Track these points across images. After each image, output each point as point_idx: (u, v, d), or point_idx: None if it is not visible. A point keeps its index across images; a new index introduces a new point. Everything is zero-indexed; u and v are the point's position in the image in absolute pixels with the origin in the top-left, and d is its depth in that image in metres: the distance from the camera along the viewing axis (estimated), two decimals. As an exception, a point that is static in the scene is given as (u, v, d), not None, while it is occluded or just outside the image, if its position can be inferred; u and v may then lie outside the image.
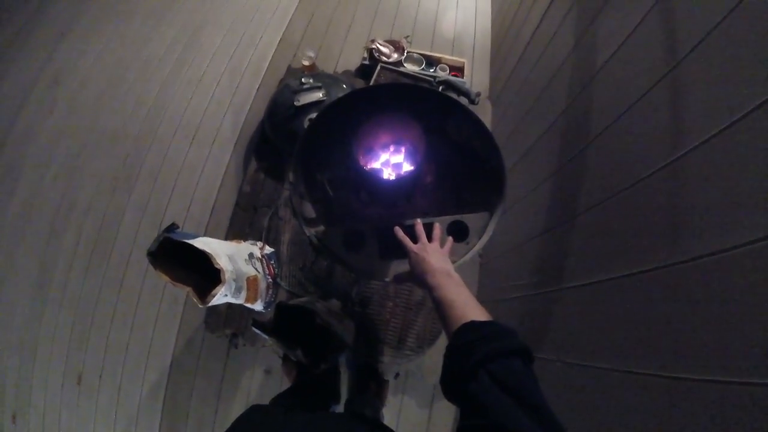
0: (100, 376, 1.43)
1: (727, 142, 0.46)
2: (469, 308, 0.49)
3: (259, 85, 1.51)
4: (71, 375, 1.47)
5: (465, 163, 0.99)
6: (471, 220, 0.94)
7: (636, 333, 0.59)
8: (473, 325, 0.46)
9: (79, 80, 1.90)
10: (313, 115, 1.15)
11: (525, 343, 0.41)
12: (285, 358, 1.30)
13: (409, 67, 1.49)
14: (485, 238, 0.90)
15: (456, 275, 0.58)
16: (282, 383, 1.28)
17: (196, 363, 1.33)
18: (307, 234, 0.85)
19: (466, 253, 0.90)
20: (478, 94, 1.52)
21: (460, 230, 0.94)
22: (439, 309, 0.52)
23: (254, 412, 0.65)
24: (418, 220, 0.73)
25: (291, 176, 0.86)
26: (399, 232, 0.70)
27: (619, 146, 0.72)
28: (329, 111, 0.85)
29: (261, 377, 1.30)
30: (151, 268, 0.81)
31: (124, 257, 1.49)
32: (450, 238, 0.74)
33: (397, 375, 1.28)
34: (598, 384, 0.66)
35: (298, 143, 0.84)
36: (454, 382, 0.41)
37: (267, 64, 1.58)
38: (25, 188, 1.75)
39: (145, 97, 1.66)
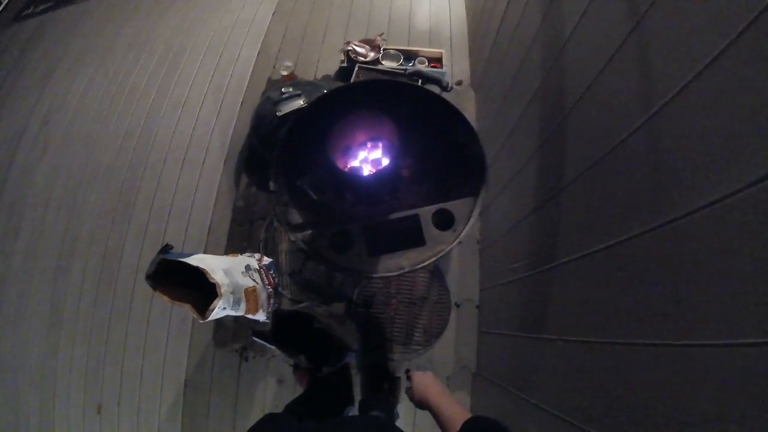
0: (119, 404, 1.53)
1: (698, 91, 0.48)
2: (463, 415, 0.62)
3: (242, 101, 1.61)
4: (91, 405, 1.57)
5: (446, 152, 1.06)
6: (456, 207, 1.00)
7: (629, 302, 0.62)
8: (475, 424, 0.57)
9: (68, 118, 2.04)
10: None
11: None
12: (296, 366, 1.38)
13: (387, 64, 1.57)
14: (471, 222, 0.97)
15: (446, 390, 0.76)
16: (295, 391, 1.36)
17: (210, 380, 1.42)
18: (293, 239, 0.93)
19: (454, 241, 0.97)
20: (459, 83, 1.60)
21: (446, 219, 1.01)
22: (439, 419, 0.68)
23: (268, 421, 0.70)
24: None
25: (272, 185, 0.93)
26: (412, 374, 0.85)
27: (595, 113, 0.75)
28: (303, 117, 0.93)
29: (274, 387, 1.38)
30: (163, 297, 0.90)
31: (129, 285, 1.60)
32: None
33: (408, 371, 1.35)
34: (597, 359, 0.70)
35: (276, 151, 0.92)
36: None
37: (247, 79, 1.68)
38: (28, 229, 1.88)
39: (134, 126, 1.79)
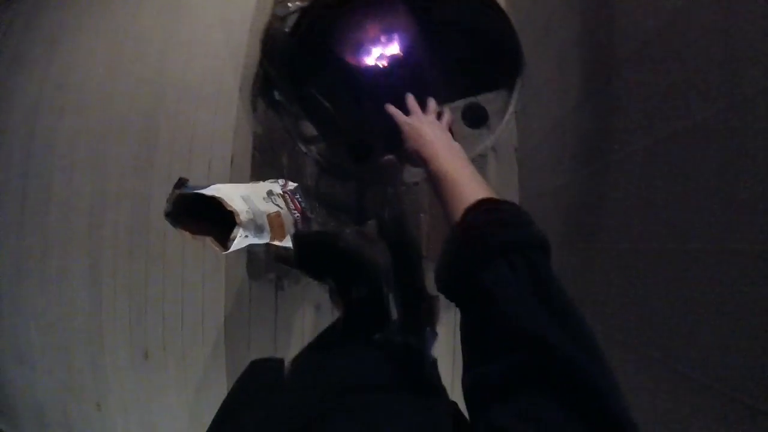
0: (164, 348, 1.70)
1: None
2: (477, 184, 0.47)
3: (251, 25, 1.65)
4: (139, 353, 1.76)
5: (472, 42, 1.04)
6: (488, 100, 0.99)
7: (684, 203, 0.57)
8: (489, 205, 0.43)
9: (80, 78, 2.17)
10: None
11: (547, 237, 0.39)
12: (332, 291, 1.47)
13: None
14: (508, 115, 0.95)
15: (457, 145, 0.58)
16: (333, 316, 1.45)
17: (248, 313, 1.54)
18: (306, 152, 0.96)
19: (491, 137, 0.97)
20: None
21: (478, 115, 1.00)
22: (438, 185, 0.52)
23: (251, 368, 0.69)
24: (410, 95, 0.73)
25: (276, 95, 0.94)
26: (390, 107, 0.71)
27: None
28: (306, 16, 0.93)
29: (312, 314, 1.47)
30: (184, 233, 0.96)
31: (161, 231, 1.73)
32: (447, 111, 0.74)
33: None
34: (656, 269, 0.65)
35: (279, 58, 0.93)
36: (461, 271, 0.39)
37: (254, 3, 1.71)
38: (58, 192, 2.06)
39: (145, 72, 1.88)
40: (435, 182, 0.53)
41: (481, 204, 0.43)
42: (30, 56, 2.54)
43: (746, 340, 0.44)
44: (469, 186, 0.47)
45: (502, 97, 0.99)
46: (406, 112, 0.71)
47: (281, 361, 0.71)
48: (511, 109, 0.96)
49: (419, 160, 0.58)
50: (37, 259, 2.11)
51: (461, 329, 0.39)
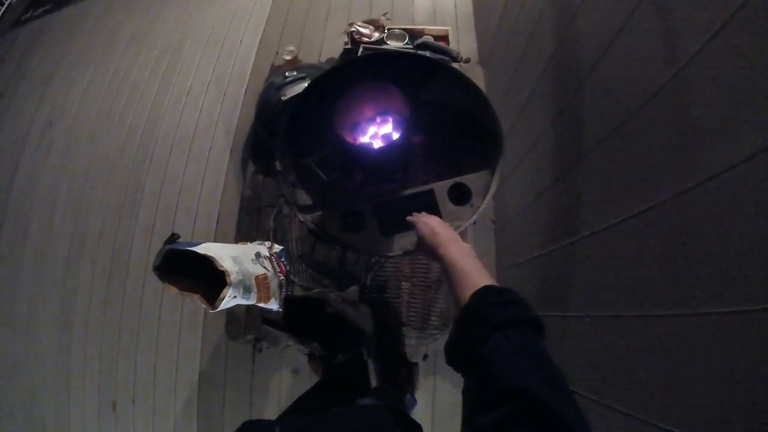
0: (134, 402, 1.61)
1: (727, 40, 0.48)
2: (480, 274, 0.55)
3: (246, 89, 1.68)
4: (106, 404, 1.65)
5: (459, 124, 1.09)
6: (472, 180, 1.02)
7: (648, 273, 0.62)
8: (491, 290, 0.50)
9: (71, 118, 2.14)
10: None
11: (539, 316, 0.45)
12: (311, 355, 1.43)
13: (392, 44, 1.62)
14: (489, 195, 0.99)
15: (466, 244, 0.65)
16: (311, 381, 1.41)
17: (224, 374, 1.48)
18: (302, 220, 0.97)
19: (473, 215, 1.00)
20: (467, 60, 1.63)
21: (462, 193, 1.04)
22: (449, 273, 0.59)
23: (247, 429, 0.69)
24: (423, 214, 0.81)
25: (278, 165, 0.97)
26: (414, 218, 0.79)
27: (614, 76, 0.75)
28: (309, 94, 0.97)
29: (290, 378, 1.43)
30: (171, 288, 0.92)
31: (138, 281, 1.68)
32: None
33: (425, 356, 1.39)
34: (624, 334, 0.69)
35: (281, 131, 0.96)
36: (465, 346, 0.45)
37: (250, 66, 1.75)
38: (36, 231, 1.99)
39: (137, 121, 1.87)
40: (446, 270, 0.60)
41: (484, 289, 0.50)
42: (24, 88, 2.50)
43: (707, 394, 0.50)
44: (474, 275, 0.54)
45: (485, 177, 1.03)
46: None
47: (273, 424, 0.71)
48: (492, 189, 1.00)
49: (432, 251, 0.66)
50: (6, 297, 2.00)
51: (463, 393, 0.43)
